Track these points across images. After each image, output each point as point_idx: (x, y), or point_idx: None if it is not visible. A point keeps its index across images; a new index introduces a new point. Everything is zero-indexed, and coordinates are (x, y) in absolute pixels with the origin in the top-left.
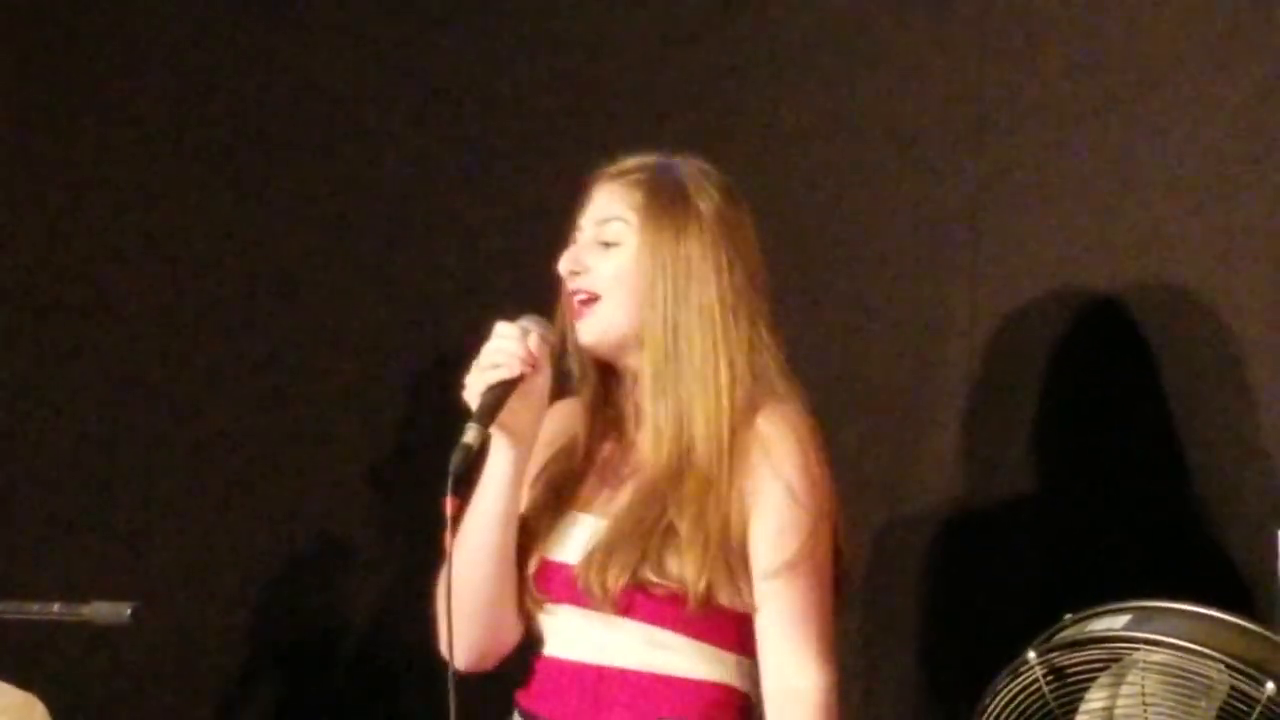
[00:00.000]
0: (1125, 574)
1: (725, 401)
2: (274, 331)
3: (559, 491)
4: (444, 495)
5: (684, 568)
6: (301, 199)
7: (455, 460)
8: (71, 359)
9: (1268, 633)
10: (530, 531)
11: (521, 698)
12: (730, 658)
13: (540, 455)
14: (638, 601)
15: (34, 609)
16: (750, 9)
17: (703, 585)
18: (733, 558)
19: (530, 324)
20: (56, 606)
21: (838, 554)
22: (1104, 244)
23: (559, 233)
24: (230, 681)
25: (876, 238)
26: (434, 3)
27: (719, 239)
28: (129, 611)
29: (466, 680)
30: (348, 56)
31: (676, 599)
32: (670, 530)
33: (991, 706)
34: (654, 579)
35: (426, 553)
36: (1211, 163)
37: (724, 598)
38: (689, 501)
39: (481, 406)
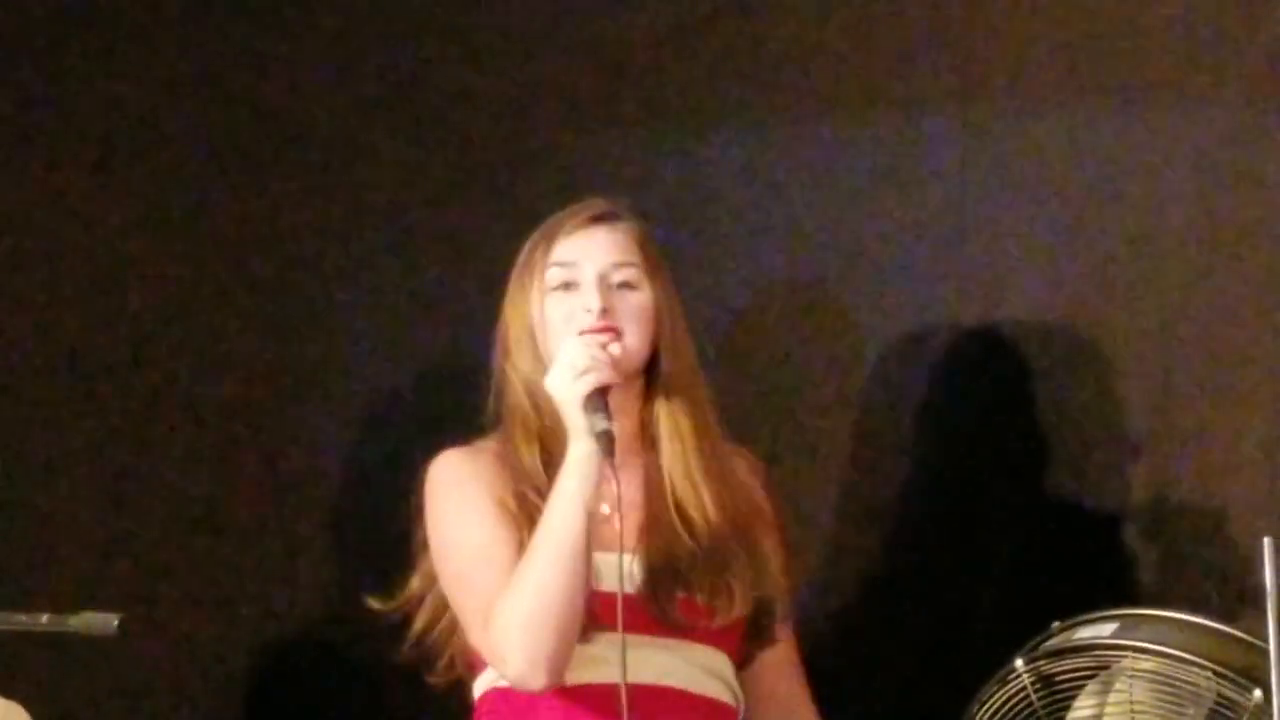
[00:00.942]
0: (1112, 582)
1: (716, 419)
2: (267, 337)
3: (600, 526)
4: None
5: (755, 586)
6: (298, 201)
7: (605, 446)
8: (58, 368)
9: (1255, 640)
10: None
11: None
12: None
13: (495, 489)
14: (701, 625)
15: (22, 620)
16: (737, 9)
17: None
18: None
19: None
20: (44, 618)
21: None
22: (1089, 249)
23: None
24: (219, 693)
25: (860, 243)
26: (424, 9)
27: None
28: (116, 623)
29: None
30: (343, 59)
31: (733, 625)
32: (726, 545)
33: (979, 715)
34: (735, 599)
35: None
36: (1201, 165)
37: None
38: (731, 516)
39: (594, 406)
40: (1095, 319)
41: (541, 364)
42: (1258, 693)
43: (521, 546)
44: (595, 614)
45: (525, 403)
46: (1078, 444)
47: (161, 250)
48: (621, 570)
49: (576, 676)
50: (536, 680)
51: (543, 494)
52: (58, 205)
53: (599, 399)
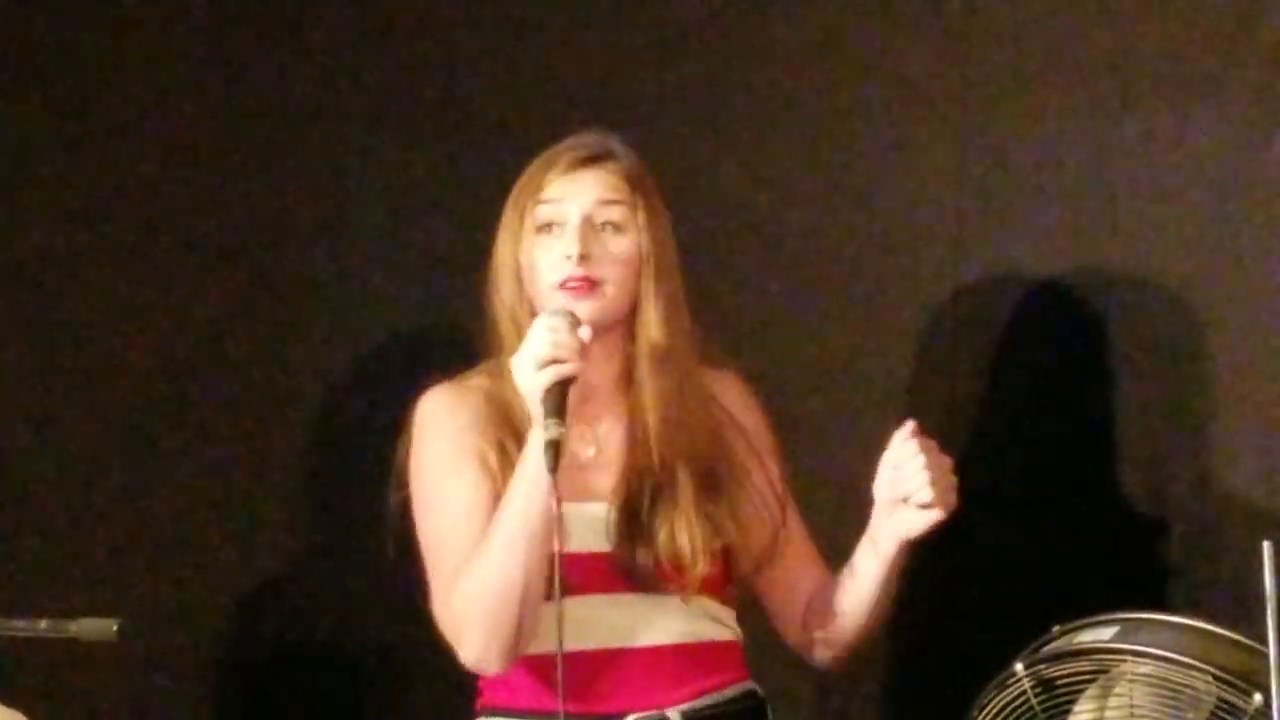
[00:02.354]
0: (1113, 585)
1: (697, 361)
2: (265, 338)
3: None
4: None
5: (732, 527)
6: (296, 200)
7: (549, 460)
8: (55, 371)
9: (1255, 644)
10: None
11: (547, 697)
12: (734, 615)
13: (478, 441)
14: (684, 575)
15: (21, 626)
16: (739, 12)
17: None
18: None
19: (568, 316)
20: (44, 623)
21: None
22: (1090, 250)
23: None
24: (217, 698)
25: (859, 241)
26: (422, 7)
27: (669, 217)
28: (116, 628)
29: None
30: (338, 61)
31: (722, 561)
32: (708, 492)
33: (979, 718)
34: (712, 543)
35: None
36: (1200, 164)
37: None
38: (710, 463)
39: (552, 403)
40: (1094, 322)
41: (526, 301)
42: (1258, 697)
43: (498, 502)
44: (569, 575)
45: (511, 337)
46: (1077, 447)
47: (159, 250)
48: (605, 523)
49: (569, 643)
50: (490, 666)
51: (523, 441)
52: (55, 205)
53: (559, 393)
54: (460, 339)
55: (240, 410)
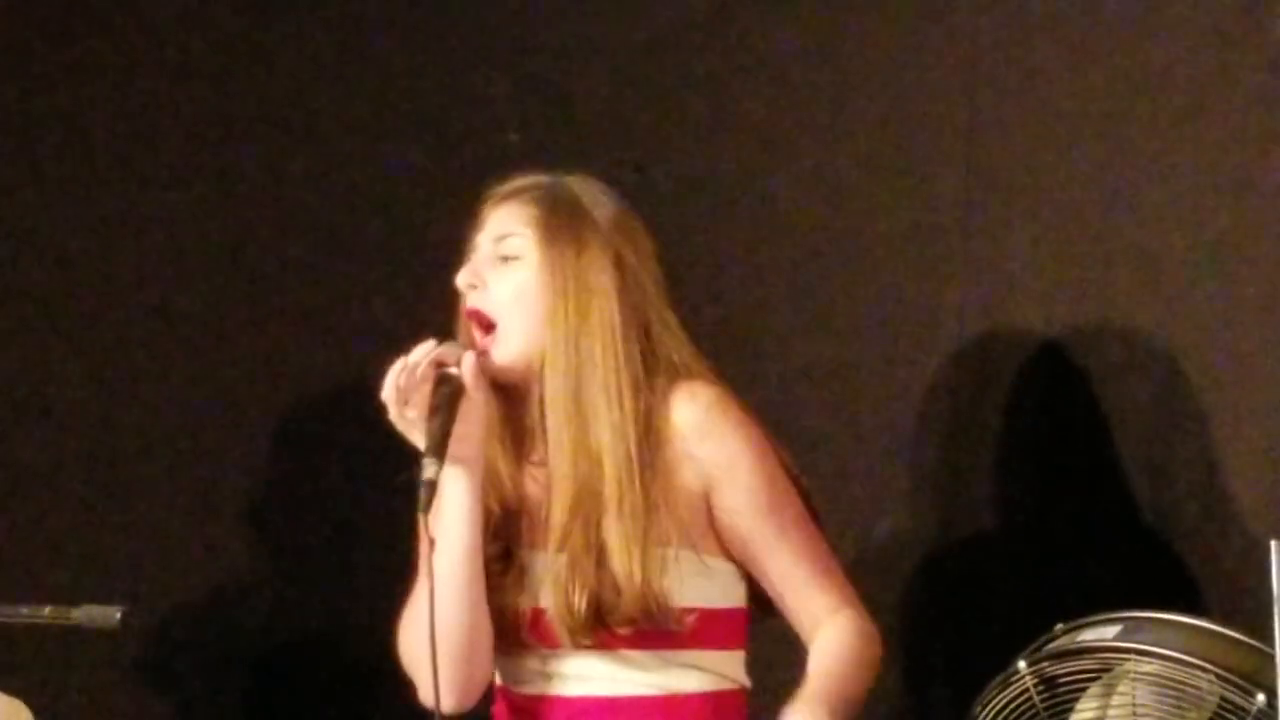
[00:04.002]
0: (1117, 583)
1: (629, 407)
2: (267, 334)
3: (503, 532)
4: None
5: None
6: (292, 201)
7: (423, 500)
8: (58, 363)
9: (1259, 644)
10: (495, 577)
11: None
12: (734, 655)
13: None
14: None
15: (23, 613)
16: (743, 13)
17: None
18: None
19: (445, 347)
20: (47, 610)
21: (798, 486)
22: (1095, 251)
23: None
24: (220, 686)
25: (865, 244)
26: (421, 7)
27: (618, 247)
28: (119, 615)
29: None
30: (341, 57)
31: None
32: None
33: (982, 716)
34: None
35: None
36: (1204, 169)
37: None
38: (617, 516)
39: (431, 439)
40: (1097, 321)
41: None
42: (1261, 697)
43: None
44: (534, 630)
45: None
46: (1081, 445)
47: (160, 247)
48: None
49: (527, 688)
50: (445, 706)
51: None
52: (52, 205)
53: (442, 426)
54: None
55: (244, 403)
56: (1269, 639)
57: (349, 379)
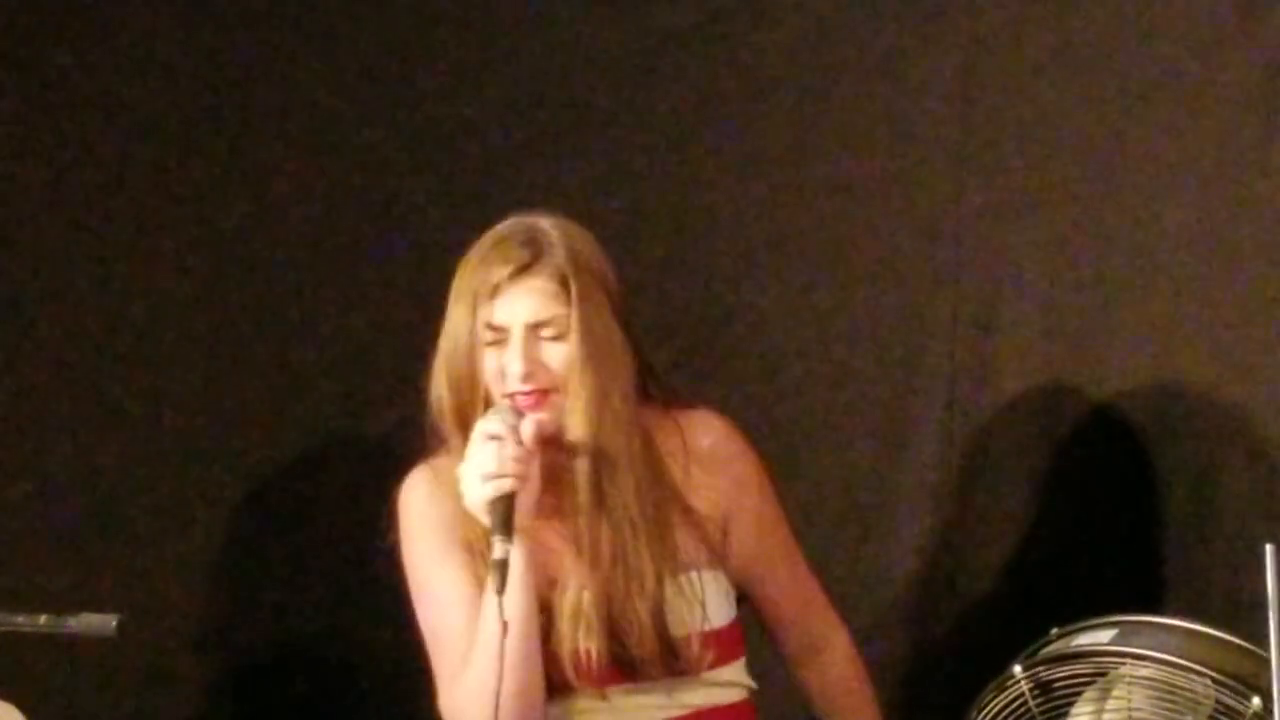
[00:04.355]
0: (1112, 588)
1: (637, 443)
2: (265, 335)
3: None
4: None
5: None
6: (292, 203)
7: (497, 581)
8: (53, 367)
9: (1254, 648)
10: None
11: None
12: (742, 661)
13: (461, 529)
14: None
15: (20, 621)
16: (736, 18)
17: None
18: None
19: (510, 415)
20: (43, 619)
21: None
22: (1089, 254)
23: None
24: (216, 695)
25: (859, 249)
26: (418, 9)
27: (610, 294)
28: (115, 623)
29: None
30: (340, 56)
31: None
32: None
33: None
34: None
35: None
36: (1199, 171)
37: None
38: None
39: (498, 519)
40: (1091, 325)
41: (480, 398)
42: (1256, 700)
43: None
44: (566, 675)
45: (456, 432)
46: (1075, 449)
47: (158, 248)
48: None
49: None
50: None
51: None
52: (48, 204)
53: (504, 508)
54: None
55: (237, 409)
56: (1264, 643)
57: (346, 384)
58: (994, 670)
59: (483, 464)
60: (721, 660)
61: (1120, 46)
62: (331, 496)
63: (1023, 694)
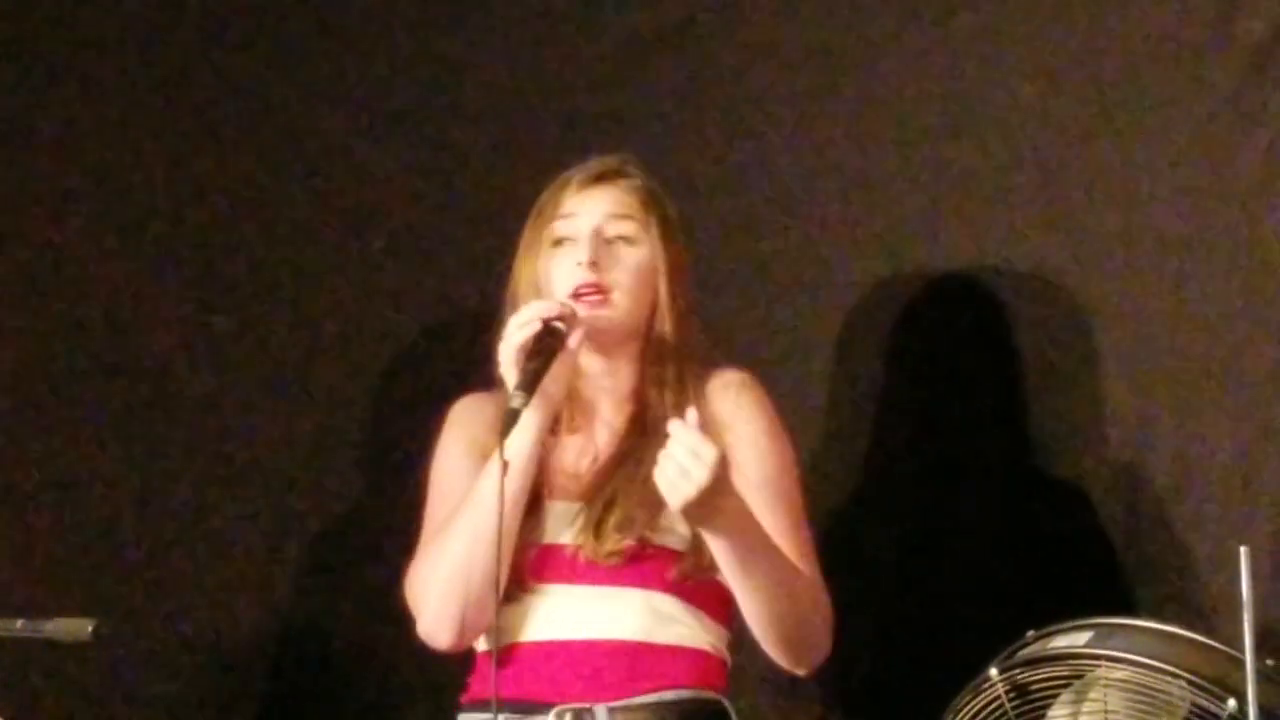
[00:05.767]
0: (1088, 590)
1: (693, 371)
2: (247, 337)
3: (542, 482)
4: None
5: (676, 520)
6: (293, 198)
7: (506, 424)
8: (30, 371)
9: (1229, 649)
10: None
11: (501, 687)
12: (718, 628)
13: (484, 445)
14: (635, 567)
15: None
16: (717, 13)
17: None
18: None
19: (556, 302)
20: (19, 623)
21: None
22: (1065, 253)
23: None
24: (193, 699)
25: (837, 250)
26: (416, 9)
27: (684, 241)
28: (91, 628)
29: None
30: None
31: (672, 560)
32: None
33: None
34: (651, 535)
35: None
36: (1175, 169)
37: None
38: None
39: (525, 374)
40: (1069, 322)
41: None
42: (1231, 702)
43: None
44: (535, 567)
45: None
46: (1052, 452)
47: (147, 248)
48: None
49: (523, 634)
50: (439, 638)
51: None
52: (54, 205)
53: (538, 368)
54: (445, 338)
55: (215, 408)
56: (1240, 645)
57: (332, 378)
58: (970, 673)
59: (519, 314)
60: (682, 593)
61: (1100, 46)
62: (312, 496)
63: (999, 696)
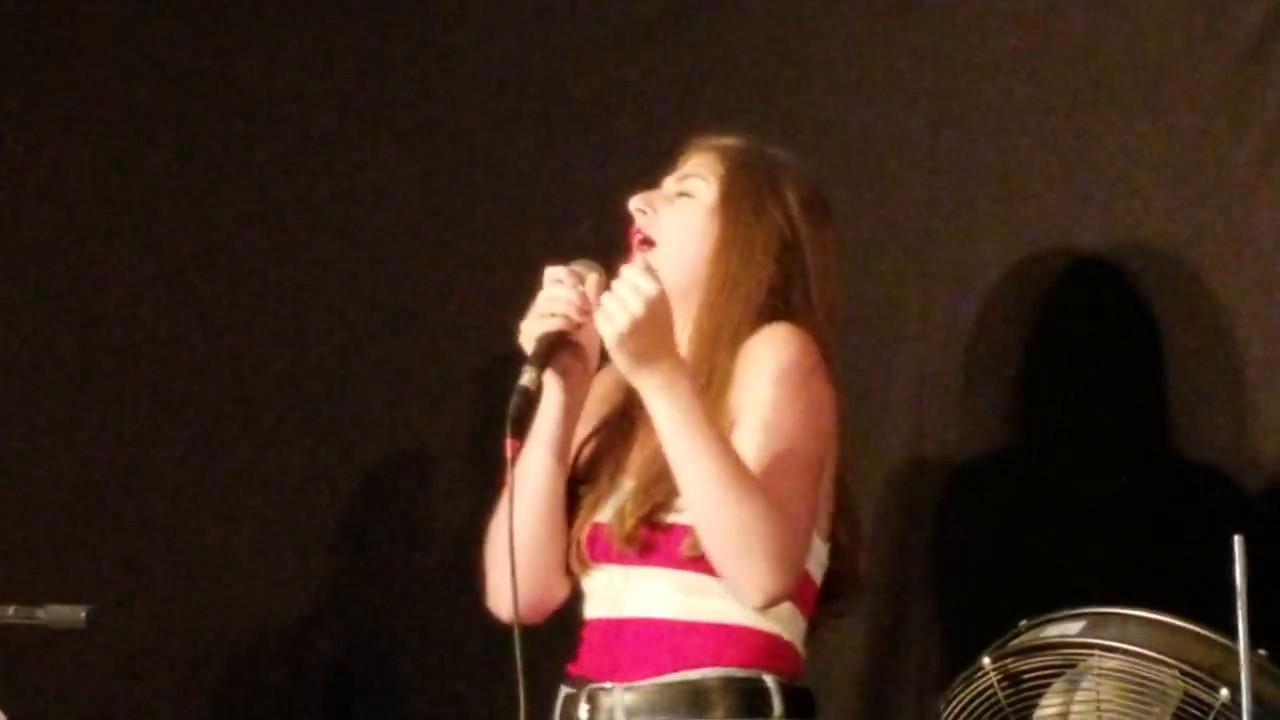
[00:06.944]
0: (1080, 579)
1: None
2: (239, 329)
3: (610, 460)
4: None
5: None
6: (291, 203)
7: (514, 403)
8: (26, 361)
9: (1222, 639)
10: (584, 500)
11: (571, 667)
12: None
13: (588, 422)
14: (658, 545)
15: None
16: (707, 11)
17: None
18: None
19: (584, 268)
20: (12, 610)
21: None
22: (1058, 246)
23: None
24: (188, 685)
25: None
26: (379, 12)
27: (796, 230)
28: (84, 615)
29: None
30: (339, 57)
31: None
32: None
33: (946, 712)
34: (663, 515)
35: (382, 557)
36: (1166, 163)
37: None
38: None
39: (537, 350)
40: (1063, 317)
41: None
42: (1224, 692)
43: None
44: (594, 549)
45: None
46: (1045, 441)
47: (142, 245)
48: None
49: (588, 614)
50: (500, 612)
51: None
52: (54, 206)
53: (545, 345)
54: (447, 337)
55: (212, 398)
56: (1233, 634)
57: (331, 375)
58: (963, 662)
59: (539, 302)
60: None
61: (1090, 44)
62: (308, 487)
63: (991, 686)
